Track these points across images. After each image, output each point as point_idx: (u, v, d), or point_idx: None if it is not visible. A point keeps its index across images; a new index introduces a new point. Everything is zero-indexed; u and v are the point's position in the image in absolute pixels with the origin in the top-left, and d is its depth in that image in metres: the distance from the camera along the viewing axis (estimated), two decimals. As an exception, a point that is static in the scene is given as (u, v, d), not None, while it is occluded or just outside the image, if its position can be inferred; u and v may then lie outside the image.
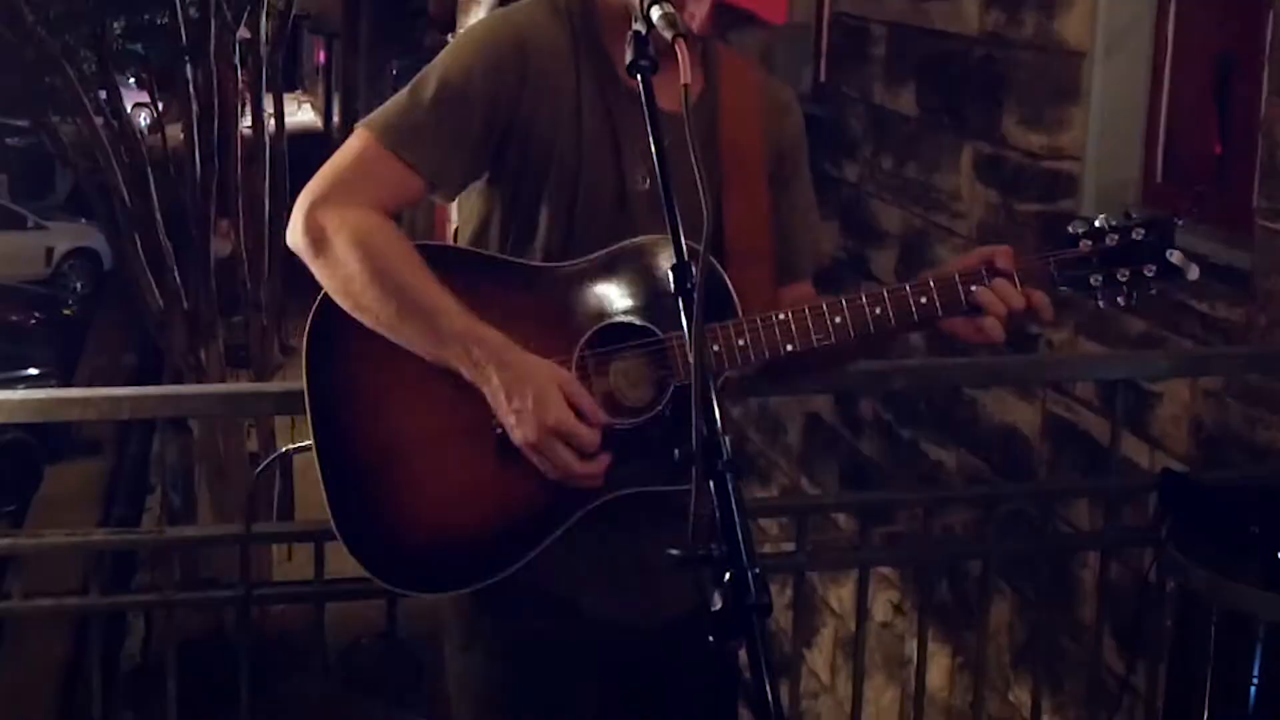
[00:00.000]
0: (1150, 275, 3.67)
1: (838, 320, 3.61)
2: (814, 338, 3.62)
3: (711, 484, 2.53)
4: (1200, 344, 7.09)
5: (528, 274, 3.70)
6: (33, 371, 25.44)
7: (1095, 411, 7.68)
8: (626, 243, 3.63)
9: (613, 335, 3.64)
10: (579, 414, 3.49)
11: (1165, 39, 8.66)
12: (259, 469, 4.00)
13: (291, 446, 4.22)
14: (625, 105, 3.65)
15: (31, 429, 21.58)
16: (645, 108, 2.99)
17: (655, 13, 2.97)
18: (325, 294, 3.68)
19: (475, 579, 3.72)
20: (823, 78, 12.71)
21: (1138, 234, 3.66)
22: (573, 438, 3.47)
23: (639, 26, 3.01)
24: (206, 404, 6.34)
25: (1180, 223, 3.77)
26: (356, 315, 3.62)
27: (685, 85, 2.86)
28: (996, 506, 5.48)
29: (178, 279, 22.60)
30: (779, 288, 3.97)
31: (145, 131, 26.62)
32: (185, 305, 22.41)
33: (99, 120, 23.14)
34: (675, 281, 2.82)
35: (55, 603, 5.17)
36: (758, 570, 2.46)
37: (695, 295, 2.74)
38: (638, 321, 3.61)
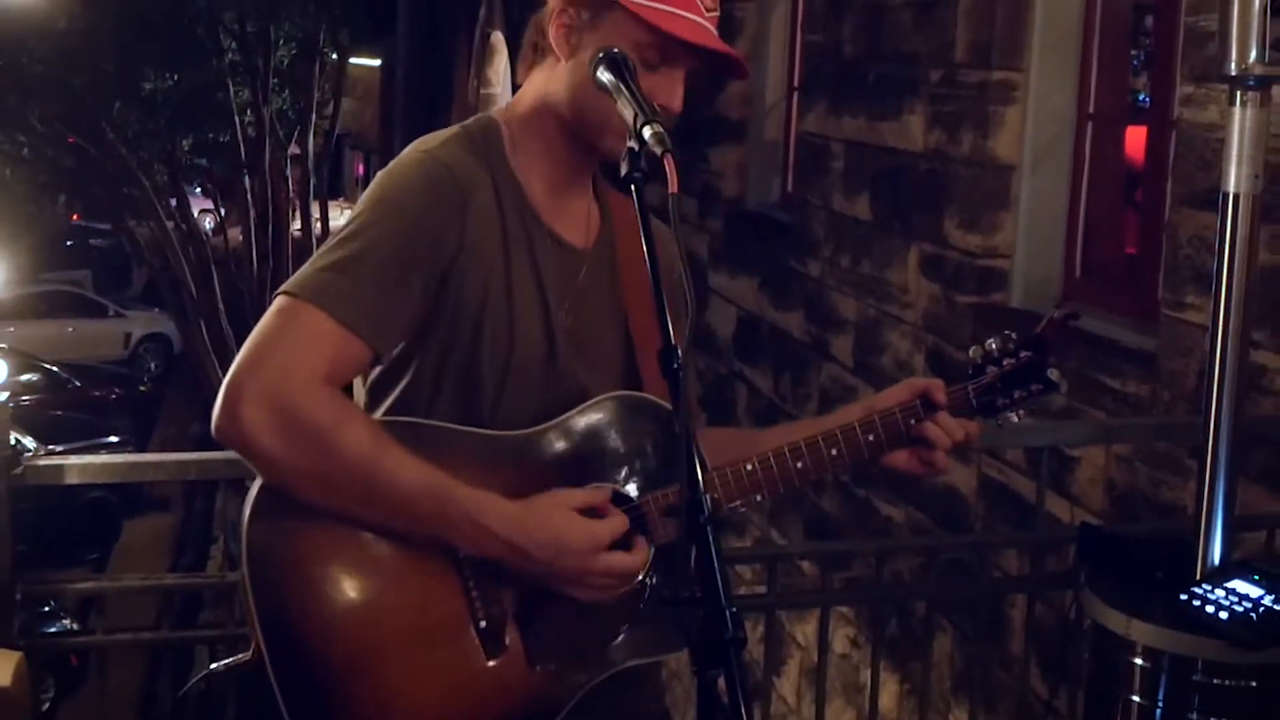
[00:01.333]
0: (1037, 392, 3.59)
1: (799, 465, 3.30)
2: (780, 486, 3.29)
3: (696, 536, 2.51)
4: (1113, 416, 7.10)
5: (495, 443, 3.12)
6: (113, 439, 25.42)
7: (1023, 474, 7.68)
8: (590, 403, 3.15)
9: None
10: (591, 513, 3.01)
11: (1083, 155, 8.70)
12: (183, 690, 3.75)
13: (219, 665, 3.37)
14: (543, 241, 3.21)
15: (112, 488, 21.51)
16: (639, 215, 2.76)
17: (648, 131, 2.71)
18: (262, 489, 3.02)
19: None
20: (790, 188, 12.70)
21: (1023, 356, 3.56)
22: (615, 534, 2.99)
23: (632, 143, 2.74)
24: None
25: (1072, 320, 3.77)
26: (321, 506, 2.97)
27: (674, 194, 2.68)
28: (938, 555, 5.49)
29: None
30: None
31: (210, 234, 26.69)
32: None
33: (170, 224, 23.33)
34: (663, 364, 2.61)
35: (133, 637, 5.18)
36: (734, 609, 2.44)
37: (680, 376, 2.58)
38: (612, 486, 3.12)
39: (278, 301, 2.99)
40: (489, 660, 3.03)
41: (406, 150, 3.23)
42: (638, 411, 3.14)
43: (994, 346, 3.57)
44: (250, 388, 2.89)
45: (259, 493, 3.01)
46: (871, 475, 9.61)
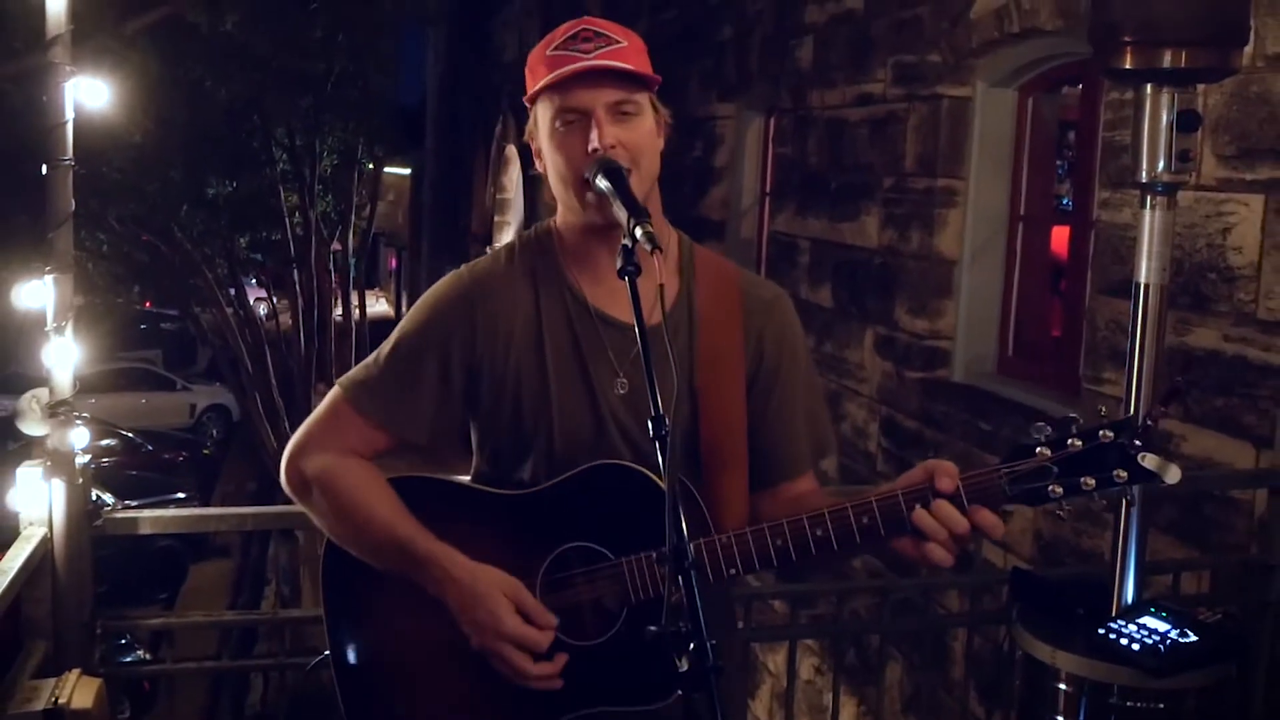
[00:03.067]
0: (1121, 481, 2.77)
1: (779, 543, 2.90)
2: (755, 560, 2.94)
3: (680, 579, 2.49)
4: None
5: (493, 500, 3.14)
6: (180, 495, 25.37)
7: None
8: (585, 468, 3.04)
9: (575, 557, 3.04)
10: (528, 619, 2.93)
11: (1015, 251, 8.72)
12: (310, 666, 3.79)
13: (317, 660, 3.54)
14: (589, 322, 3.14)
15: (179, 537, 21.46)
16: (633, 303, 2.69)
17: (639, 232, 2.66)
18: None
19: None
20: (763, 279, 12.71)
21: (1105, 436, 2.77)
22: (523, 640, 2.91)
23: (626, 241, 2.70)
24: (308, 519, 6.31)
25: (1158, 419, 3.08)
26: (343, 547, 3.20)
27: (661, 285, 2.64)
28: (890, 595, 5.47)
29: (287, 428, 22.66)
30: (783, 483, 3.28)
31: (263, 318, 26.67)
32: (292, 446, 22.45)
33: (229, 310, 23.33)
34: (653, 428, 2.54)
35: (197, 665, 5.16)
36: (714, 642, 2.44)
37: (668, 441, 2.53)
38: (596, 546, 3.01)
39: (331, 391, 3.28)
40: (478, 678, 3.02)
41: None
42: (623, 479, 3.01)
43: (1065, 424, 2.84)
44: (291, 456, 3.24)
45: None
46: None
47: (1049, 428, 2.83)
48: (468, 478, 3.30)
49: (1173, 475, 2.72)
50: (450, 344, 3.15)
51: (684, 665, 2.44)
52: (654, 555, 2.93)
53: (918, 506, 2.83)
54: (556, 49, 3.03)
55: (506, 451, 3.19)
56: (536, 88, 3.04)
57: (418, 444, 3.26)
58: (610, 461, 3.05)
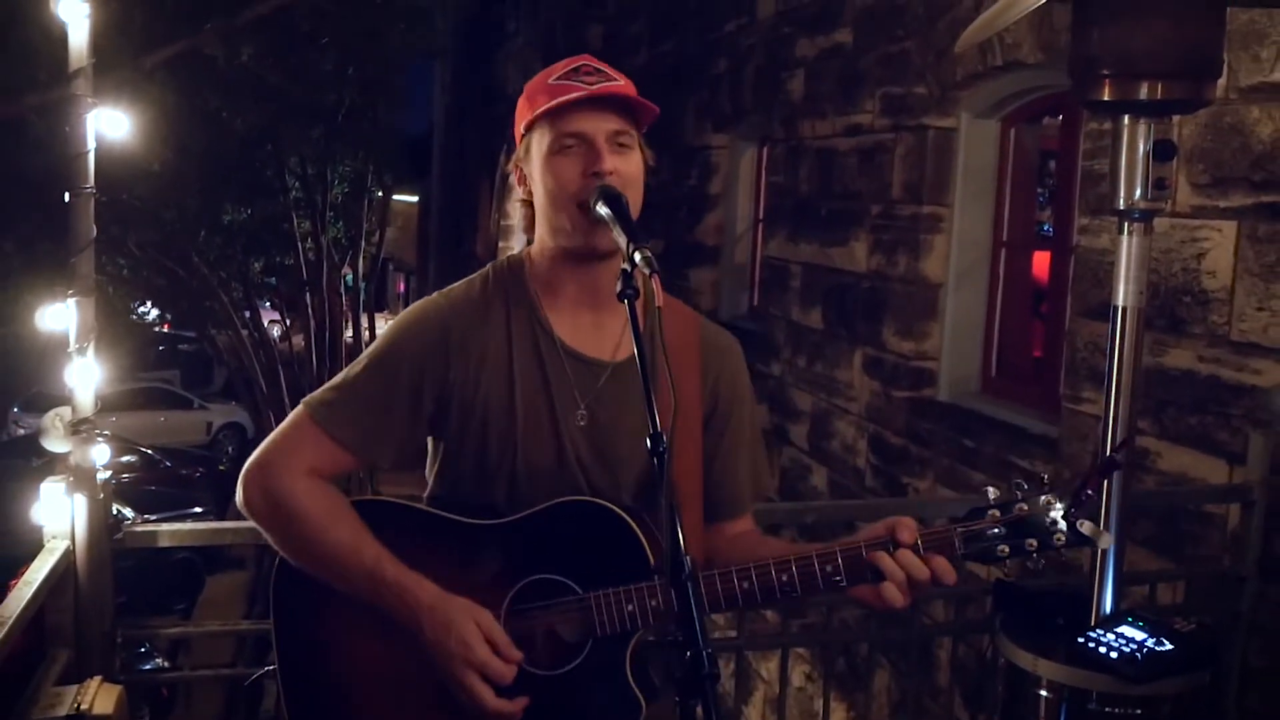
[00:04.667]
0: (1059, 544, 2.88)
1: (745, 586, 2.91)
2: (722, 603, 2.94)
3: (675, 590, 2.49)
4: (1023, 490, 7.09)
5: (458, 528, 3.07)
6: (197, 510, 25.33)
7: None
8: (554, 502, 3.00)
9: (540, 589, 2.99)
10: (495, 651, 2.89)
11: (998, 275, 8.73)
12: (249, 680, 3.79)
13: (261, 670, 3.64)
14: (554, 354, 3.11)
15: (196, 550, 21.67)
16: (631, 326, 2.66)
17: (638, 256, 2.64)
18: None
19: None
20: (755, 302, 12.71)
21: (1048, 502, 2.88)
22: (486, 669, 2.86)
23: (625, 265, 2.66)
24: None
25: (1096, 489, 3.08)
26: (301, 567, 3.08)
27: (659, 307, 2.66)
28: (879, 605, 5.47)
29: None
30: (723, 522, 3.32)
31: (277, 340, 26.67)
32: (304, 463, 22.47)
33: (244, 332, 23.34)
34: (651, 444, 2.51)
35: (213, 672, 5.17)
36: (710, 650, 2.43)
37: (665, 460, 2.50)
38: (561, 579, 2.97)
39: (295, 409, 3.18)
40: (441, 709, 2.98)
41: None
42: (589, 513, 2.98)
43: (1014, 489, 2.94)
44: (251, 473, 3.13)
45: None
46: (825, 539, 9.60)
47: (997, 494, 2.92)
48: (422, 503, 3.22)
49: (1105, 542, 3.05)
50: (423, 369, 3.10)
51: (680, 672, 2.44)
52: (623, 592, 2.90)
53: (880, 551, 2.87)
54: (559, 79, 3.04)
55: (469, 476, 3.15)
56: (539, 110, 3.02)
57: (381, 465, 3.20)
58: (577, 498, 3.03)
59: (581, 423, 3.09)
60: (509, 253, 3.35)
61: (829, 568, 2.90)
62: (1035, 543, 2.88)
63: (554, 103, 2.98)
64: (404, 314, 3.22)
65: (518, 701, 2.91)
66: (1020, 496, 2.91)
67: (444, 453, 3.19)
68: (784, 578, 2.91)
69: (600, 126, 2.99)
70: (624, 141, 3.02)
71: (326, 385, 3.18)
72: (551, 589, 2.98)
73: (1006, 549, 2.89)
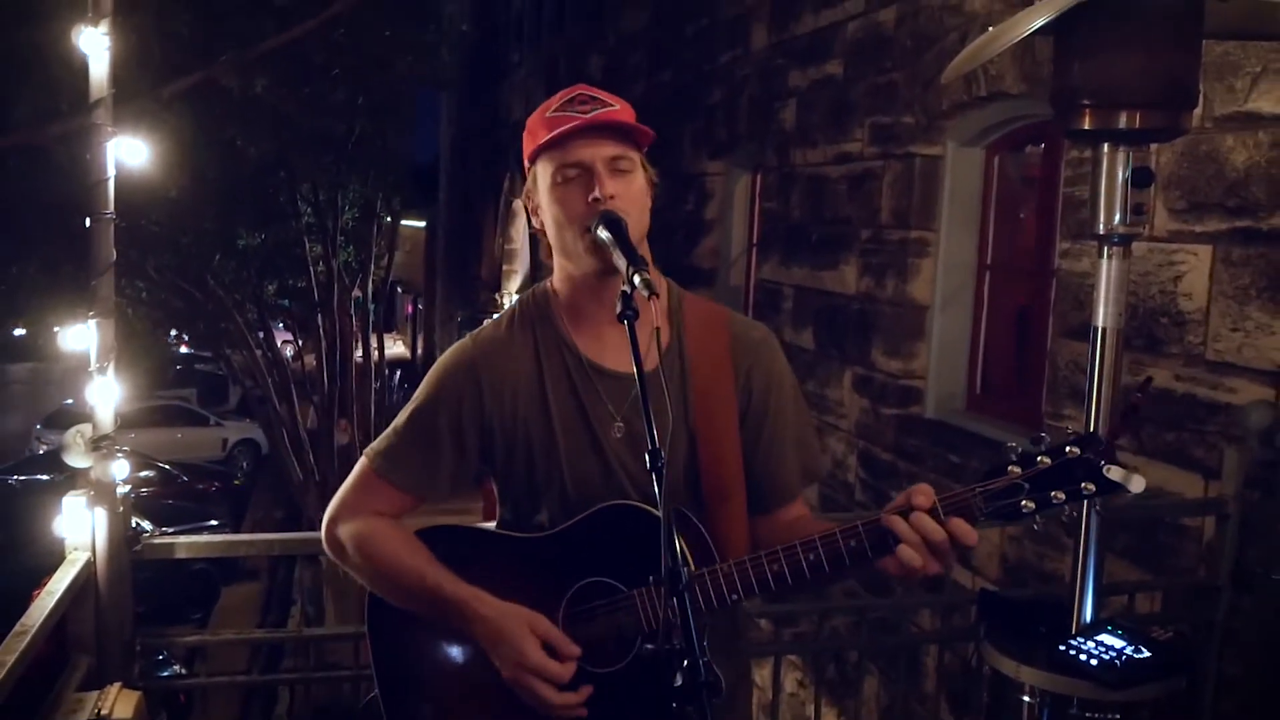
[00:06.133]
0: (1089, 493, 2.71)
1: (775, 569, 2.89)
2: (755, 586, 2.92)
3: (674, 600, 2.49)
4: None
5: (513, 543, 3.19)
6: (213, 523, 25.36)
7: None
8: (595, 509, 3.05)
9: (593, 591, 3.06)
10: (553, 651, 2.95)
11: (982, 297, 8.74)
12: (364, 701, 3.80)
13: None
14: (585, 374, 3.16)
15: (212, 561, 21.57)
16: (631, 345, 2.67)
17: (637, 279, 2.67)
18: None
19: None
20: (750, 323, 12.72)
21: (1071, 452, 2.72)
22: (545, 672, 2.92)
23: (625, 287, 2.69)
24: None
25: (1121, 433, 2.90)
26: (381, 598, 3.24)
27: (657, 327, 2.75)
28: (867, 614, 5.47)
29: (312, 460, 22.71)
30: (776, 509, 3.30)
31: (290, 360, 26.64)
32: (316, 478, 22.48)
33: (258, 352, 23.33)
34: (649, 461, 2.52)
35: (229, 679, 5.16)
36: (706, 658, 2.44)
37: (664, 473, 2.50)
38: (610, 580, 3.03)
39: (360, 460, 3.32)
40: (518, 714, 3.02)
41: None
42: (631, 517, 3.00)
43: (1034, 443, 2.81)
44: (328, 523, 3.29)
45: None
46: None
47: (1019, 448, 2.78)
48: (492, 524, 3.33)
49: (1137, 484, 2.66)
50: (460, 409, 3.18)
51: (679, 680, 2.45)
52: (657, 583, 2.88)
53: (895, 516, 2.78)
54: (555, 111, 3.06)
55: (524, 499, 3.21)
56: (538, 144, 3.04)
57: (438, 498, 3.30)
58: (616, 503, 3.06)
59: (619, 435, 3.13)
60: (534, 287, 3.37)
61: (853, 542, 2.85)
62: (1063, 495, 2.73)
63: (552, 135, 3.00)
64: (439, 361, 3.29)
65: (581, 693, 2.96)
66: (1045, 448, 2.77)
67: (500, 482, 3.27)
68: (811, 557, 2.88)
69: (598, 153, 3.00)
70: (623, 166, 3.03)
71: (383, 434, 3.30)
72: (603, 590, 3.04)
73: (1032, 504, 2.74)
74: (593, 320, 3.17)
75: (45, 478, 24.94)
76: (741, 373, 3.27)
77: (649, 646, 2.89)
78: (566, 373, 3.17)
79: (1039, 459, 2.76)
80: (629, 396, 3.10)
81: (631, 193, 3.04)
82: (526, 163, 3.17)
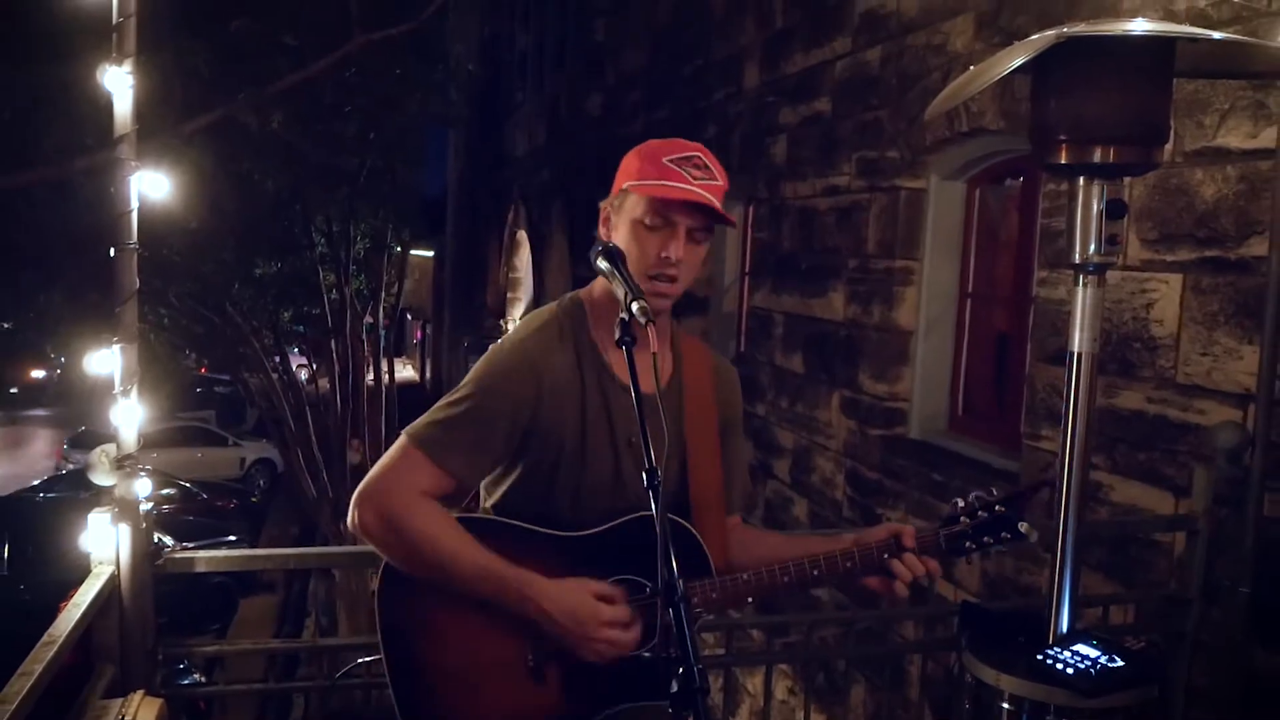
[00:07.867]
0: (1007, 540, 3.51)
1: (785, 580, 3.37)
2: (770, 594, 3.41)
3: (671, 610, 2.52)
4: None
5: (552, 540, 3.26)
6: (231, 538, 25.31)
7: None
8: (628, 518, 3.22)
9: (625, 588, 3.22)
10: (607, 601, 3.14)
11: (964, 324, 8.74)
12: (339, 673, 3.83)
13: (364, 660, 3.95)
14: (611, 385, 3.31)
15: (230, 575, 21.44)
16: (629, 369, 2.78)
17: (635, 306, 2.78)
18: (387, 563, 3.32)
19: None
20: (742, 348, 12.72)
21: (999, 510, 3.50)
22: (617, 619, 3.11)
23: (623, 314, 2.80)
24: (343, 560, 6.29)
25: (1031, 499, 3.63)
26: (419, 577, 3.22)
27: (654, 352, 2.73)
28: (854, 625, 5.46)
29: (325, 479, 22.67)
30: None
31: (304, 383, 26.63)
32: (330, 495, 22.43)
33: (275, 376, 23.32)
34: (647, 479, 2.62)
35: (246, 687, 5.14)
36: (700, 666, 2.45)
37: (659, 490, 2.59)
38: (638, 578, 3.21)
39: (399, 440, 3.28)
40: (535, 686, 3.20)
41: (511, 332, 3.43)
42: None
43: (974, 500, 3.55)
44: (367, 498, 3.22)
45: (385, 565, 3.28)
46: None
47: (968, 500, 3.55)
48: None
49: (1033, 536, 3.51)
50: (519, 408, 3.24)
51: (675, 687, 2.46)
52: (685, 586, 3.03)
53: (893, 558, 3.42)
54: (671, 161, 3.20)
55: (538, 491, 3.31)
56: (645, 185, 3.17)
57: (472, 487, 3.40)
58: (648, 513, 3.09)
59: (629, 449, 3.30)
60: (568, 297, 3.51)
61: (849, 564, 3.43)
62: (991, 540, 3.51)
63: (660, 192, 3.15)
64: (500, 355, 3.34)
65: (636, 627, 3.16)
66: (979, 505, 3.53)
67: (521, 471, 3.33)
68: (815, 571, 3.40)
69: (687, 221, 3.19)
70: (699, 237, 3.24)
71: (427, 419, 3.29)
72: (632, 588, 3.21)
73: (974, 545, 3.52)
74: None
75: (72, 495, 24.90)
76: (720, 401, 3.54)
77: (645, 653, 3.11)
78: (599, 382, 3.31)
79: (978, 513, 3.53)
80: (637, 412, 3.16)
81: (694, 260, 3.26)
82: (622, 179, 3.28)
